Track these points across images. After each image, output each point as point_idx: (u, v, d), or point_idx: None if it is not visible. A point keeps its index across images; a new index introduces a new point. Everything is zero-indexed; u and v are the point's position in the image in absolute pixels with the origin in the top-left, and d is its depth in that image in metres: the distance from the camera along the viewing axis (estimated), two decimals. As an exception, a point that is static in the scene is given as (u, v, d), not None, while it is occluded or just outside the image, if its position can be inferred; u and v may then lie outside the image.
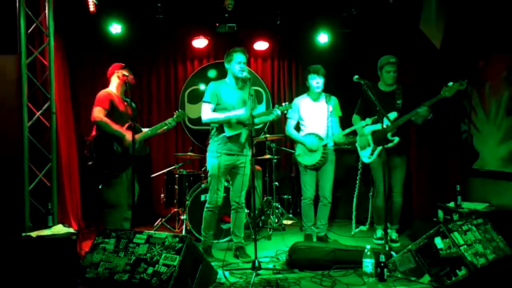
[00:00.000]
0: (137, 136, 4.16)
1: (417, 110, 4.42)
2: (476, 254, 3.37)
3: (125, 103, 4.32)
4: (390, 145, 4.59)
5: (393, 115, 4.59)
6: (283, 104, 4.23)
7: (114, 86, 4.30)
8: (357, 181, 5.15)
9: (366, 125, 4.69)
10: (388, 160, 4.54)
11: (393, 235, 4.87)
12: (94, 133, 4.13)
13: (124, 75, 4.22)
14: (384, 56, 4.82)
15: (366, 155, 4.84)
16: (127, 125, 4.24)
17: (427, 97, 4.45)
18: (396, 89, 4.76)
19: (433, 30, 4.94)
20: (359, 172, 5.11)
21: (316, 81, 4.71)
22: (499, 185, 4.70)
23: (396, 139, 4.59)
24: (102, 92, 4.20)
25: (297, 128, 4.92)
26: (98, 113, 4.08)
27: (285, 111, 4.23)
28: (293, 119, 4.86)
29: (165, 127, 4.32)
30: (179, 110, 4.41)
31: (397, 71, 4.74)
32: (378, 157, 4.73)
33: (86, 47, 6.07)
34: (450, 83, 4.28)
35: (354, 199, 5.22)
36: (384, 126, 4.38)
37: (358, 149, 4.95)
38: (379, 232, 4.93)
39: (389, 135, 4.60)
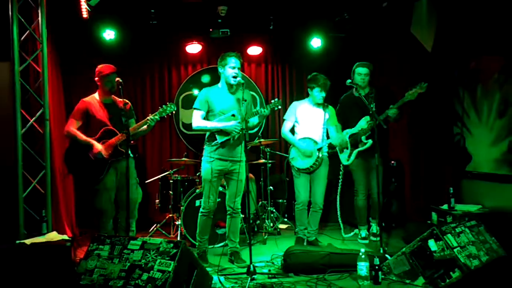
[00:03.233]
0: (113, 141, 4.18)
1: (387, 113, 4.64)
2: (469, 256, 3.39)
3: (107, 108, 4.29)
4: (364, 147, 4.86)
5: (365, 119, 4.83)
6: (272, 101, 4.15)
7: (98, 91, 4.35)
8: (339, 184, 5.23)
9: (362, 128, 4.88)
10: (366, 161, 4.92)
11: (375, 229, 5.09)
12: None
13: (101, 82, 4.26)
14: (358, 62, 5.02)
15: (344, 158, 5.05)
16: (102, 130, 4.22)
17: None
18: (369, 92, 4.91)
19: (424, 33, 5.01)
20: (340, 173, 5.20)
21: (322, 95, 4.79)
22: (492, 187, 4.73)
23: (370, 141, 4.81)
24: (79, 103, 4.28)
25: (292, 131, 4.93)
26: (68, 125, 4.22)
27: (275, 108, 4.17)
28: (290, 121, 4.88)
29: (147, 125, 4.22)
30: (165, 104, 4.29)
31: (369, 75, 4.94)
32: (356, 159, 4.96)
33: (79, 53, 6.07)
34: (414, 88, 4.53)
35: (337, 202, 5.29)
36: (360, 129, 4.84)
37: (338, 152, 5.11)
38: (363, 233, 5.13)
39: (363, 138, 4.84)
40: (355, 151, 4.93)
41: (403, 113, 4.95)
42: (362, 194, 5.09)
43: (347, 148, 5.02)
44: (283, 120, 4.96)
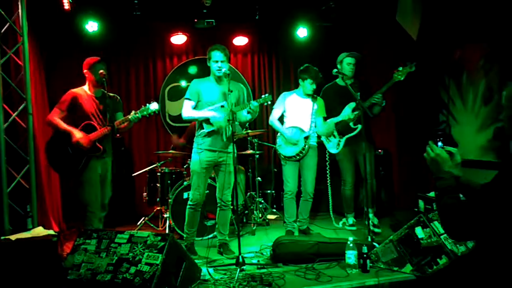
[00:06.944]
0: (92, 136, 4.05)
1: (373, 97, 4.63)
2: (456, 243, 3.42)
3: (96, 101, 4.17)
4: (354, 133, 4.83)
5: (352, 105, 4.82)
6: (262, 96, 4.16)
7: (87, 83, 4.19)
8: (327, 173, 5.24)
9: (353, 111, 4.81)
10: (355, 147, 4.89)
11: (375, 220, 5.01)
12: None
13: (90, 72, 4.11)
14: (344, 52, 5.03)
15: (333, 146, 5.00)
16: (84, 124, 4.08)
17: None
18: (353, 83, 4.94)
19: (410, 21, 5.00)
20: (327, 163, 5.20)
21: (313, 87, 4.79)
22: (478, 174, 4.76)
23: (359, 126, 4.77)
24: (66, 94, 4.13)
25: (281, 121, 4.92)
26: (51, 114, 4.07)
27: (265, 103, 4.17)
28: (278, 109, 4.88)
29: (127, 122, 4.12)
30: (150, 103, 4.15)
31: (356, 65, 4.97)
32: (343, 148, 4.93)
33: (62, 46, 5.97)
34: (400, 68, 4.47)
35: (329, 193, 5.30)
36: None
37: (324, 141, 5.07)
38: (351, 220, 5.18)
39: (351, 124, 4.81)
40: (344, 138, 4.89)
41: (385, 106, 4.82)
42: (350, 183, 5.10)
43: (334, 137, 4.98)
44: (272, 108, 4.95)
